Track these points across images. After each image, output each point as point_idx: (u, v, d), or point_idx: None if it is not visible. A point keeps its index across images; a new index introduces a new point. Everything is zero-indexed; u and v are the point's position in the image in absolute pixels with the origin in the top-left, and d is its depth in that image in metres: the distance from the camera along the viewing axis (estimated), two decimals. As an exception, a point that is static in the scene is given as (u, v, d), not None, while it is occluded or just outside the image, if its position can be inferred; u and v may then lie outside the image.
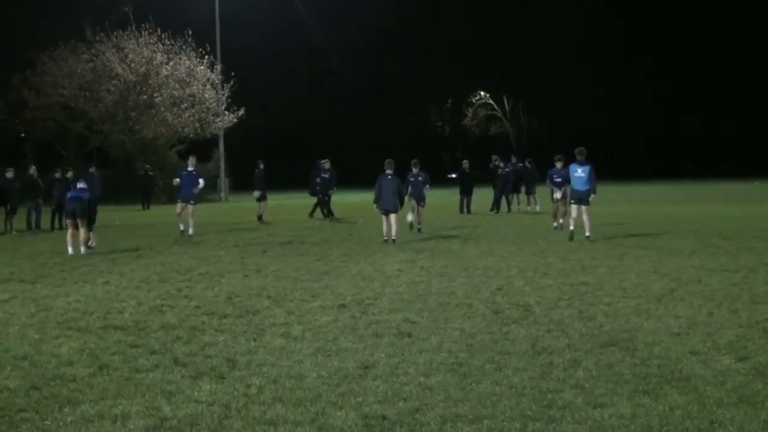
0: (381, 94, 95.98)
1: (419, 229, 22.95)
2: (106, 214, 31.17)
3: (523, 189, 32.94)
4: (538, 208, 31.71)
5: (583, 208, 19.81)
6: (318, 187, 29.26)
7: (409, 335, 9.02)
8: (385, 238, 19.85)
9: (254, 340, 8.95)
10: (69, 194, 19.22)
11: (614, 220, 25.70)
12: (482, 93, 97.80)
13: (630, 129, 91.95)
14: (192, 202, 23.24)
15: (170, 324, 9.93)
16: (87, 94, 52.16)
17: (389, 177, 20.16)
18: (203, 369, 7.72)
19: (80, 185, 19.32)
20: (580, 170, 19.94)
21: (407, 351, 8.28)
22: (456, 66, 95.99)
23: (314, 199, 30.41)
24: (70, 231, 18.85)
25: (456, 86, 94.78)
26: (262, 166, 29.73)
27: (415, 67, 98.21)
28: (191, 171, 23.81)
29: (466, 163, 32.85)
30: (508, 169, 32.47)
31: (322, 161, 29.61)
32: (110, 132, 53.37)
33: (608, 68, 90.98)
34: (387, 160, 20.52)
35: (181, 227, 23.24)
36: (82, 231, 18.70)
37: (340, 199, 33.16)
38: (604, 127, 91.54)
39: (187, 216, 23.13)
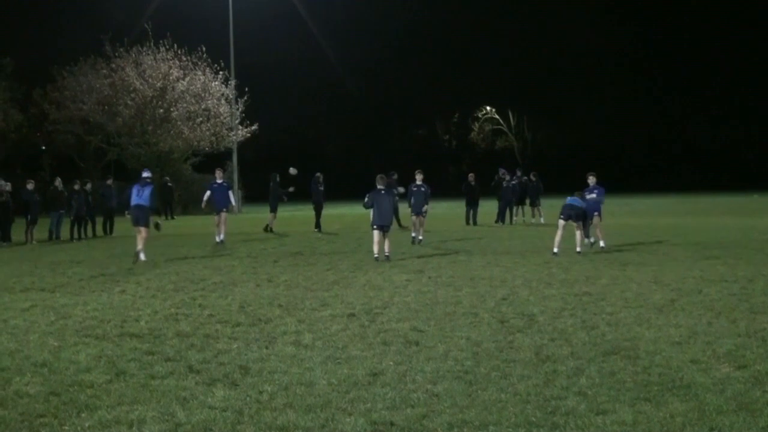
0: (389, 108, 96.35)
1: (419, 241, 22.73)
2: (123, 225, 31.24)
3: (528, 201, 32.95)
4: (542, 220, 31.68)
5: (596, 221, 20.14)
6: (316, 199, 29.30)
7: (417, 343, 9.01)
8: (377, 255, 18.42)
9: (266, 347, 8.96)
10: (132, 201, 19.58)
11: (616, 232, 25.61)
12: (488, 108, 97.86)
13: (632, 143, 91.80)
14: (225, 209, 24.57)
15: (185, 332, 9.94)
16: (105, 108, 52.28)
17: (382, 192, 18.98)
18: (217, 376, 7.72)
19: (140, 189, 19.63)
20: (595, 192, 20.59)
21: (415, 359, 8.27)
22: (463, 81, 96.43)
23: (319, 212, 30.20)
24: (137, 235, 19.51)
25: (463, 101, 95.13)
26: (278, 179, 29.78)
27: (422, 82, 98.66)
28: (222, 183, 25.40)
29: (471, 176, 32.79)
30: (513, 182, 32.44)
31: (317, 174, 29.62)
32: (127, 145, 53.49)
33: (610, 84, 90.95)
34: (378, 176, 19.56)
35: (217, 238, 24.06)
36: (142, 238, 19.32)
37: (348, 212, 33.13)
38: (606, 141, 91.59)
39: (223, 223, 24.28)
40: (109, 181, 31.08)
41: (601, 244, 20.08)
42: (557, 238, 19.22)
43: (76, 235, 27.34)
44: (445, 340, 9.15)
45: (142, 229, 19.38)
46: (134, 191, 19.61)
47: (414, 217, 23.42)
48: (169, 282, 15.06)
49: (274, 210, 29.34)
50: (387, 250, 18.62)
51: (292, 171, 25.18)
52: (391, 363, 8.11)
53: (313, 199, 29.38)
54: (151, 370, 7.98)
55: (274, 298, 12.62)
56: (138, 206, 19.44)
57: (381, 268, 16.68)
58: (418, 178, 24.03)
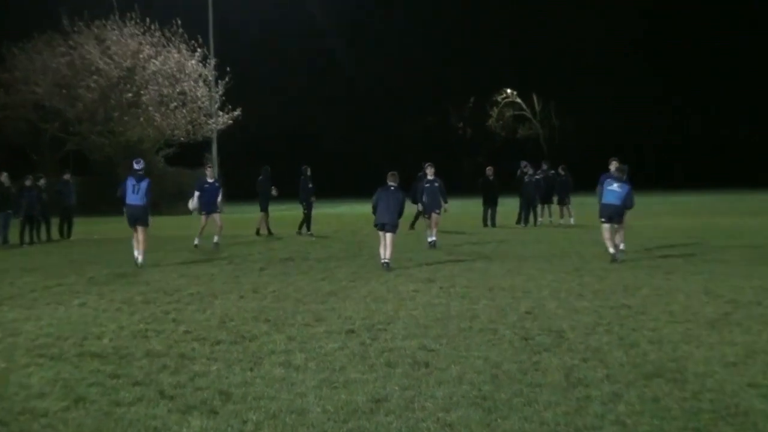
0: (394, 92, 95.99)
1: (434, 243, 22.96)
2: (84, 226, 31.29)
3: (555, 199, 32.86)
4: (572, 221, 31.66)
5: (616, 226, 19.22)
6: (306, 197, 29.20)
7: (426, 365, 8.97)
8: (383, 260, 18.56)
9: (251, 369, 8.92)
10: (126, 200, 19.92)
11: (659, 235, 25.60)
12: (509, 91, 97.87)
13: (676, 133, 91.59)
14: (218, 210, 25.44)
15: (156, 351, 9.91)
16: (63, 91, 52.29)
17: (392, 189, 19.19)
18: (193, 402, 7.69)
19: (135, 184, 19.94)
20: (616, 185, 19.20)
21: (424, 382, 8.23)
22: (479, 59, 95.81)
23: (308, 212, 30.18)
24: (135, 236, 20.03)
25: (479, 83, 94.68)
26: (269, 173, 30.03)
27: (432, 62, 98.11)
28: (213, 182, 25.90)
29: (490, 170, 32.64)
30: (537, 177, 32.33)
31: (304, 167, 29.57)
32: (89, 134, 53.52)
33: (651, 63, 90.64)
34: (390, 173, 19.70)
35: (196, 241, 24.88)
36: (141, 238, 19.76)
37: (350, 210, 33.14)
38: (646, 130, 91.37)
39: (214, 227, 25.03)
40: (67, 176, 30.99)
41: (622, 247, 19.50)
42: (608, 240, 19.01)
43: (27, 239, 27.33)
44: (459, 361, 9.11)
45: (140, 230, 19.72)
46: (129, 187, 19.87)
47: (428, 219, 23.49)
48: (138, 293, 15.03)
49: (264, 209, 29.42)
50: (388, 256, 18.50)
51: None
52: (397, 387, 8.07)
53: (302, 197, 29.25)
54: (115, 396, 7.94)
55: (260, 312, 12.59)
56: (133, 206, 19.81)
57: (384, 277, 16.65)
58: (429, 173, 24.04)
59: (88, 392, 8.10)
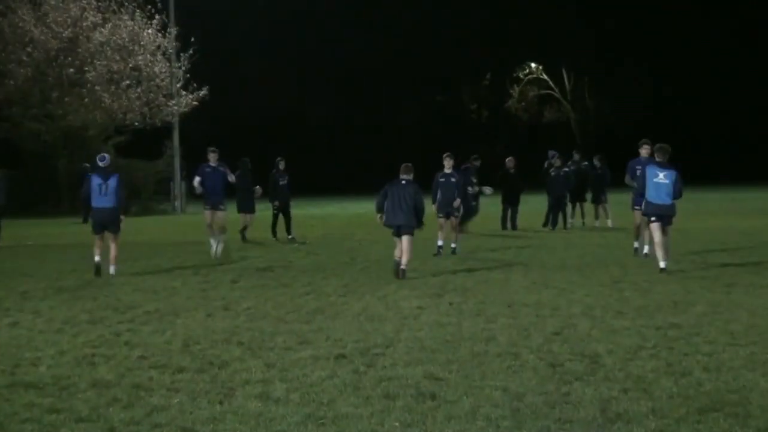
0: (396, 67, 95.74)
1: (453, 250, 23.18)
2: (16, 229, 31.28)
3: (589, 197, 32.84)
4: (610, 223, 31.67)
5: (666, 228, 19.03)
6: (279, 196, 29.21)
7: (433, 397, 8.98)
8: (396, 259, 19.22)
9: (220, 403, 8.93)
10: (93, 203, 19.97)
11: (716, 239, 25.63)
12: (533, 65, 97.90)
13: (740, 118, 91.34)
14: (222, 208, 24.74)
15: (104, 381, 9.92)
16: (-9, 67, 52.31)
17: (403, 183, 19.37)
18: (149, 443, 7.70)
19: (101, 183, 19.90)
20: (662, 174, 18.91)
21: (430, 418, 8.25)
22: (497, 28, 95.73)
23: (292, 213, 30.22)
24: (97, 243, 20.03)
25: (497, 56, 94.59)
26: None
27: (442, 31, 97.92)
28: (216, 167, 25.08)
29: (510, 161, 32.64)
30: (567, 170, 32.30)
31: (278, 159, 29.58)
32: (21, 119, 53.40)
33: (709, 31, 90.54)
34: (404, 165, 19.80)
35: (213, 243, 24.32)
36: (111, 247, 19.92)
37: (341, 211, 33.21)
38: (702, 114, 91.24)
39: (218, 225, 24.58)
40: (-5, 170, 31.01)
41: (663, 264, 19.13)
42: (658, 246, 18.80)
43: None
44: (472, 392, 9.13)
45: (111, 237, 19.86)
46: (94, 186, 19.84)
47: (442, 219, 23.64)
48: (83, 311, 15.03)
49: (250, 210, 29.63)
50: (404, 262, 18.90)
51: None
52: (397, 424, 8.11)
53: (274, 196, 29.19)
54: (55, 435, 7.95)
55: (232, 333, 12.61)
56: (102, 209, 19.84)
57: (382, 291, 16.67)
58: (447, 165, 24.04)
59: (21, 430, 8.11)
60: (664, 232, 18.92)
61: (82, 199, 20.02)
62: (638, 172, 20.46)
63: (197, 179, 25.01)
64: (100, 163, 20.13)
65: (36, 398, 9.21)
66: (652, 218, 18.98)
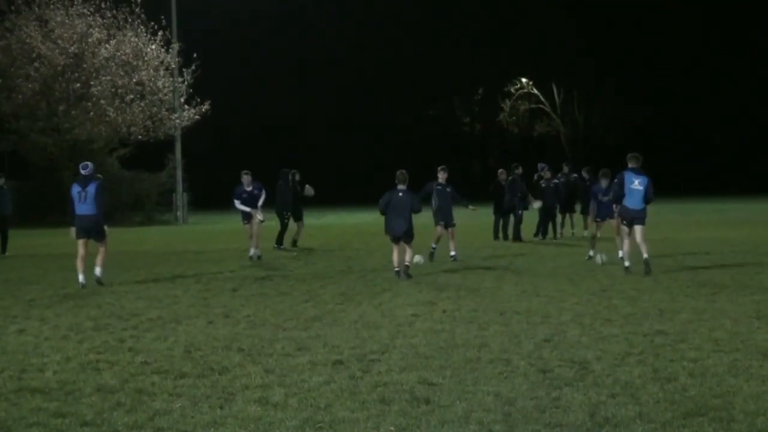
0: (390, 81, 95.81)
1: (453, 258, 23.62)
2: (23, 239, 31.26)
3: (578, 208, 32.85)
4: (598, 233, 31.63)
5: (638, 228, 20.17)
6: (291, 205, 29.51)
7: (427, 401, 8.98)
8: (397, 268, 20.01)
9: (221, 407, 8.92)
10: (75, 210, 19.63)
11: (701, 249, 25.64)
12: (524, 80, 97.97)
13: (725, 129, 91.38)
14: (261, 219, 26.27)
15: (108, 386, 9.90)
16: (-1, 81, 52.24)
17: (401, 195, 20.19)
18: (152, 446, 7.69)
19: (81, 191, 19.63)
20: (636, 181, 20.12)
21: (424, 422, 8.24)
22: (489, 44, 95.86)
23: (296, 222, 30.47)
24: (80, 253, 19.56)
25: (489, 71, 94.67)
26: (297, 177, 30.79)
27: (435, 46, 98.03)
28: (251, 190, 26.62)
29: (502, 173, 32.70)
30: (557, 182, 32.35)
31: (291, 171, 29.86)
32: (28, 132, 53.34)
33: (693, 45, 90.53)
34: (399, 172, 20.56)
35: (251, 252, 25.85)
36: (100, 250, 19.80)
37: (338, 221, 33.21)
38: (687, 126, 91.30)
39: (253, 235, 25.96)
40: (1, 181, 30.89)
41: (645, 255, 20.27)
42: (625, 248, 20.41)
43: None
44: (465, 397, 9.12)
45: (97, 244, 19.65)
46: (74, 194, 19.61)
47: (441, 228, 24.30)
48: (88, 318, 15.02)
49: (297, 218, 30.35)
50: (407, 259, 20.04)
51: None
52: (392, 428, 8.08)
53: (281, 207, 29.37)
54: (61, 439, 7.94)
55: (232, 340, 12.59)
56: (84, 216, 19.54)
57: (378, 299, 16.66)
58: (441, 177, 24.39)
59: (28, 434, 8.10)
60: (637, 233, 20.12)
61: (68, 209, 19.68)
62: (600, 195, 23.33)
63: (236, 201, 26.67)
64: (82, 171, 19.80)
65: (42, 403, 9.20)
66: (624, 222, 20.48)
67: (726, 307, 14.75)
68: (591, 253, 23.55)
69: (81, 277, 19.27)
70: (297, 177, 29.69)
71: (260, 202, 26.42)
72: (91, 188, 19.54)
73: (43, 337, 13.20)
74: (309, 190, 30.21)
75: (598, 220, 23.97)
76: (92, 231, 19.67)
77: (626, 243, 20.50)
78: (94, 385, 9.97)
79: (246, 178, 26.79)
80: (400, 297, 16.90)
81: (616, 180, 20.99)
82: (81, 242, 19.61)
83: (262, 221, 26.04)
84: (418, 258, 22.57)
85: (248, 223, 26.42)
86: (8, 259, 27.95)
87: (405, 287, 18.41)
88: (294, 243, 29.84)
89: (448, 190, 24.35)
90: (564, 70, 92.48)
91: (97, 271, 19.53)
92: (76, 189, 19.61)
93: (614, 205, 21.20)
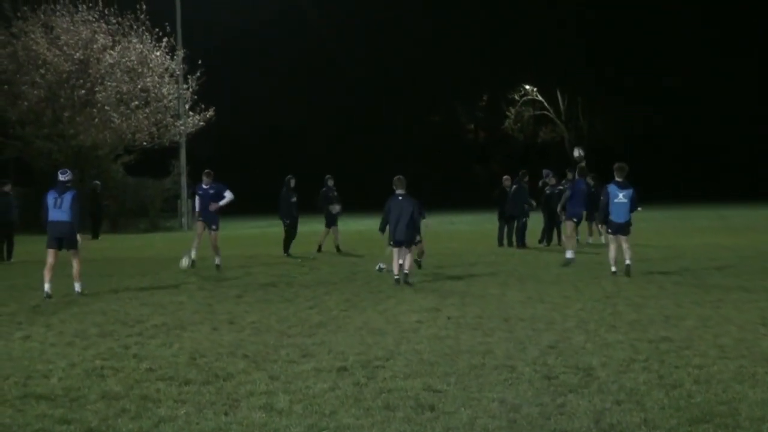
0: (393, 87, 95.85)
1: (405, 279, 20.32)
2: (27, 246, 31.29)
3: (583, 214, 32.80)
4: (603, 239, 31.62)
5: (623, 238, 21.16)
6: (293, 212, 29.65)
7: (432, 408, 8.98)
8: (397, 276, 20.06)
9: (225, 414, 8.93)
10: (49, 216, 19.13)
11: (705, 255, 25.61)
12: (528, 87, 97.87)
13: (729, 135, 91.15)
14: (214, 227, 25.43)
15: (113, 392, 9.91)
16: (4, 88, 52.15)
17: (400, 199, 20.37)
18: (156, 453, 7.69)
19: (57, 197, 19.19)
20: (621, 195, 21.17)
21: (429, 429, 8.24)
22: (493, 50, 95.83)
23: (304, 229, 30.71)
24: (49, 262, 19.08)
25: (493, 77, 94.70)
26: (330, 183, 31.69)
27: (438, 52, 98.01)
28: (207, 189, 25.96)
29: (506, 179, 32.72)
30: (561, 188, 32.32)
31: (289, 177, 29.99)
32: (34, 138, 53.33)
33: (697, 52, 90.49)
34: (396, 177, 20.75)
35: (193, 254, 25.47)
36: (74, 263, 19.31)
37: (342, 228, 33.20)
38: (691, 132, 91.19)
39: (206, 242, 25.67)
40: (7, 188, 30.84)
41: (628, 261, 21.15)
42: (612, 255, 21.21)
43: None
44: (470, 404, 9.12)
45: (70, 254, 19.25)
46: (50, 201, 19.14)
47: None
48: (93, 324, 15.02)
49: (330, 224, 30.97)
50: (407, 270, 20.10)
51: (334, 209, 26.46)
52: (397, 435, 8.07)
53: (287, 214, 29.43)
54: (66, 445, 7.94)
55: (237, 347, 12.59)
56: (58, 222, 19.02)
57: (383, 305, 16.67)
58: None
59: (33, 441, 8.10)
60: (622, 242, 21.13)
61: (41, 216, 19.22)
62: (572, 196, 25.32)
63: (197, 200, 26.13)
64: (61, 177, 19.29)
65: (47, 409, 9.21)
66: (610, 231, 21.62)
67: (731, 314, 14.75)
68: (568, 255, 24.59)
69: (47, 287, 18.76)
70: (292, 183, 29.71)
71: (226, 198, 25.57)
72: (68, 196, 19.05)
73: (49, 343, 13.21)
74: (334, 208, 30.74)
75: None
76: (65, 239, 19.06)
77: (612, 249, 21.27)
78: (99, 391, 9.98)
79: (206, 178, 26.32)
80: (404, 303, 16.90)
81: (602, 195, 22.04)
82: (51, 252, 19.07)
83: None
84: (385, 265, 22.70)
85: (203, 223, 25.71)
86: (14, 266, 27.98)
87: (409, 294, 18.40)
88: (337, 248, 30.30)
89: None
90: (568, 77, 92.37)
91: (77, 287, 19.14)
92: (52, 195, 19.10)
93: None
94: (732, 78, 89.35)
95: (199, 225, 25.83)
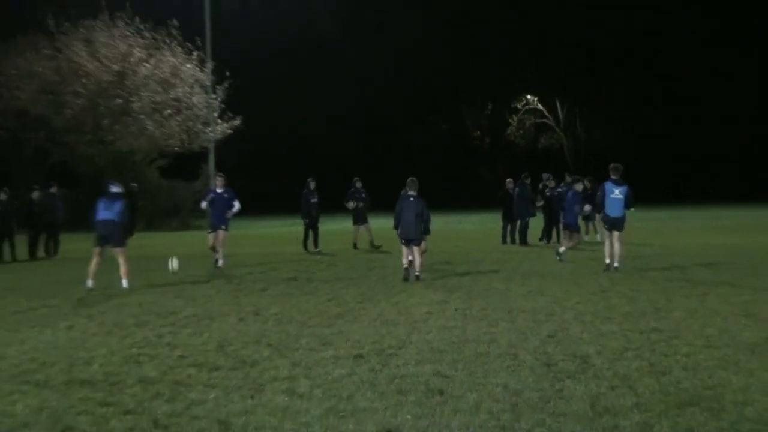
0: (407, 97, 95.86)
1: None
2: (72, 244, 31.37)
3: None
4: (599, 237, 31.57)
5: (616, 234, 21.15)
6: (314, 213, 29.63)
7: (441, 392, 8.99)
8: (406, 266, 20.04)
9: (251, 397, 8.96)
10: (97, 216, 19.21)
11: (695, 253, 25.54)
12: (529, 97, 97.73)
13: (719, 140, 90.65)
14: (223, 227, 24.69)
15: (149, 378, 9.95)
16: (49, 97, 52.23)
17: (411, 199, 20.30)
18: (189, 432, 7.72)
19: (108, 202, 19.34)
20: (617, 191, 21.12)
21: (438, 411, 8.25)
22: (497, 63, 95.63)
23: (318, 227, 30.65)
24: (94, 260, 19.12)
25: (497, 88, 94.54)
26: (358, 185, 31.70)
27: (447, 65, 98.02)
28: (221, 193, 24.96)
29: (509, 182, 32.75)
30: (560, 190, 32.31)
31: (309, 179, 29.99)
32: (77, 144, 53.47)
33: (688, 63, 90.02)
34: (409, 179, 20.66)
35: (219, 262, 24.47)
36: (120, 261, 19.30)
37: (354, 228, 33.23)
38: (682, 138, 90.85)
39: (218, 244, 24.61)
40: (54, 189, 30.93)
41: (616, 264, 21.12)
42: (607, 248, 21.21)
43: (9, 257, 27.50)
44: (476, 388, 9.13)
45: (117, 252, 19.28)
46: (100, 205, 19.27)
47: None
48: (130, 315, 15.07)
49: (357, 221, 30.96)
50: (417, 268, 19.93)
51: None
52: (409, 417, 8.10)
53: (306, 213, 29.51)
54: (105, 426, 7.98)
55: (261, 336, 12.62)
56: (104, 221, 19.12)
57: (395, 299, 16.67)
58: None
59: (76, 422, 8.14)
60: (614, 237, 21.14)
61: (92, 220, 19.22)
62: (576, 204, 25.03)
63: (204, 204, 25.25)
64: (112, 188, 19.14)
65: (90, 393, 9.25)
66: (606, 226, 21.61)
67: (716, 306, 14.71)
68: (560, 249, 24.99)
69: (90, 282, 18.83)
70: (312, 185, 29.78)
71: (234, 210, 24.77)
72: (118, 203, 19.28)
73: (90, 333, 13.26)
74: (349, 204, 30.89)
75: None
76: (110, 236, 19.08)
77: (608, 244, 21.27)
78: (135, 376, 10.02)
79: (219, 180, 25.66)
80: (415, 297, 16.89)
81: (598, 191, 21.95)
82: (97, 250, 19.16)
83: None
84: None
85: (212, 232, 24.93)
86: (59, 262, 28.07)
87: (420, 288, 18.39)
88: (371, 244, 30.24)
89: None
90: (567, 88, 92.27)
91: (124, 283, 19.06)
92: (103, 202, 19.28)
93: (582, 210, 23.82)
94: (732, 79, 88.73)
95: (211, 237, 24.85)
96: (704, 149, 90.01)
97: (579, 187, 25.57)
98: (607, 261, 21.07)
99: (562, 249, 24.74)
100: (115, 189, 19.45)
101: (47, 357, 11.28)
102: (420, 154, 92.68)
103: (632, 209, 21.47)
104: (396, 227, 20.58)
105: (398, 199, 20.58)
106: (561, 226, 32.33)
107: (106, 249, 19.45)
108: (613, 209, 21.05)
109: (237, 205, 24.71)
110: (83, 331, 13.38)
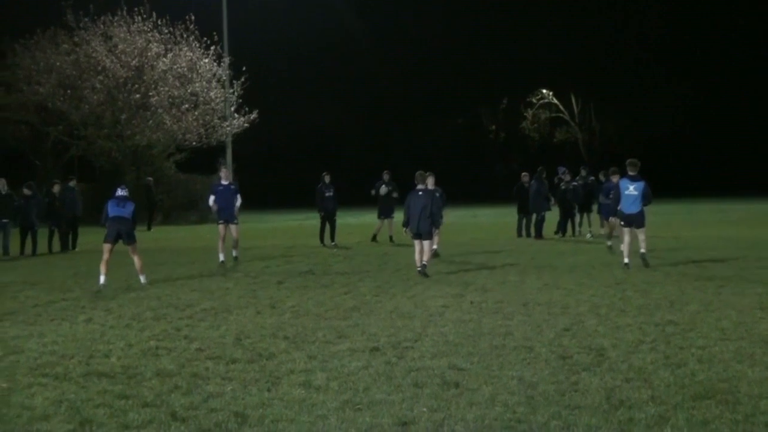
0: (422, 92, 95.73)
1: (422, 267, 19.89)
2: (91, 237, 31.46)
3: (595, 208, 32.72)
4: (603, 231, 31.45)
5: (637, 230, 20.77)
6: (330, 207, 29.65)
7: (457, 385, 8.98)
8: (419, 267, 19.65)
9: (268, 390, 8.96)
10: (110, 213, 19.00)
11: (708, 246, 25.47)
12: (545, 91, 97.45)
13: (731, 135, 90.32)
14: (235, 221, 24.26)
15: (166, 370, 9.97)
16: (68, 92, 52.27)
17: (420, 193, 19.88)
18: (206, 425, 7.73)
19: (119, 203, 19.12)
20: (632, 187, 20.72)
21: (454, 404, 8.24)
22: (513, 57, 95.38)
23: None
24: (105, 257, 18.86)
25: (513, 83, 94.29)
26: (386, 178, 31.49)
27: (463, 60, 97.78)
28: (227, 185, 24.66)
29: (525, 176, 32.73)
30: (575, 184, 32.28)
31: (324, 173, 29.99)
32: (95, 138, 53.55)
33: (701, 59, 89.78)
34: (417, 173, 20.31)
35: (221, 257, 23.69)
36: (135, 258, 19.16)
37: (372, 221, 33.26)
38: (696, 133, 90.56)
39: (230, 239, 24.13)
40: (73, 183, 30.98)
41: (642, 250, 20.72)
42: (625, 247, 20.61)
43: (29, 250, 27.58)
44: (491, 381, 9.12)
45: (130, 249, 19.18)
46: (112, 204, 19.06)
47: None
48: (148, 308, 15.11)
49: (381, 215, 30.92)
50: (424, 261, 19.62)
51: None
52: (425, 409, 8.10)
53: (321, 207, 29.51)
54: (124, 418, 7.99)
55: (278, 329, 12.63)
56: (119, 218, 18.92)
57: (411, 291, 16.67)
58: (430, 182, 23.25)
59: (94, 414, 8.16)
60: (637, 234, 20.71)
61: (102, 219, 19.06)
62: (611, 194, 23.06)
63: (212, 198, 24.54)
64: (120, 192, 18.79)
65: (108, 386, 9.27)
66: (622, 222, 21.09)
67: (731, 299, 14.67)
68: (608, 243, 25.15)
69: (102, 279, 18.48)
70: (327, 179, 29.75)
71: (237, 204, 24.38)
72: (129, 204, 19.09)
73: (109, 325, 13.30)
74: (382, 189, 30.88)
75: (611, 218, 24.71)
76: (124, 233, 18.82)
77: (626, 241, 20.77)
78: (153, 369, 10.04)
79: (223, 172, 25.64)
80: (431, 290, 16.90)
81: (614, 189, 21.89)
82: (107, 246, 18.80)
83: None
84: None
85: (223, 223, 24.03)
86: (78, 254, 28.16)
87: (435, 281, 18.39)
88: (391, 239, 30.08)
89: (437, 194, 23.47)
90: (582, 82, 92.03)
91: (142, 279, 18.93)
92: (113, 203, 19.02)
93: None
94: (744, 73, 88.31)
95: (221, 228, 24.00)
96: (717, 142, 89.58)
97: (615, 178, 24.61)
98: (626, 261, 20.24)
99: (609, 243, 25.11)
100: (123, 192, 19.21)
101: (66, 350, 11.32)
102: (435, 148, 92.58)
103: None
104: (405, 225, 20.15)
105: (408, 194, 20.34)
106: (576, 219, 32.39)
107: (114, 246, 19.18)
108: (629, 205, 20.67)
109: (239, 199, 24.56)
110: (102, 324, 13.42)
